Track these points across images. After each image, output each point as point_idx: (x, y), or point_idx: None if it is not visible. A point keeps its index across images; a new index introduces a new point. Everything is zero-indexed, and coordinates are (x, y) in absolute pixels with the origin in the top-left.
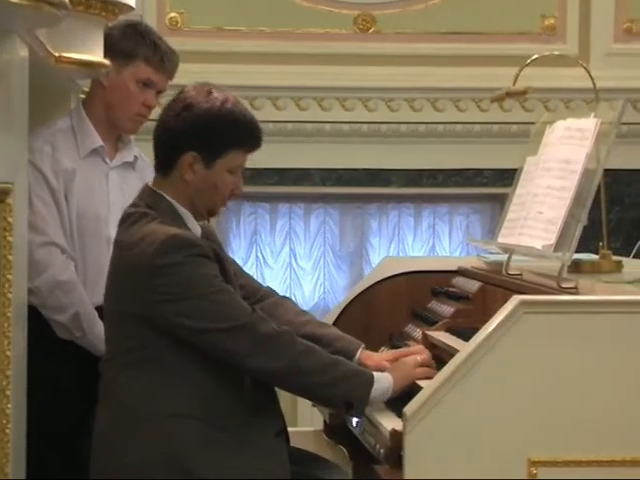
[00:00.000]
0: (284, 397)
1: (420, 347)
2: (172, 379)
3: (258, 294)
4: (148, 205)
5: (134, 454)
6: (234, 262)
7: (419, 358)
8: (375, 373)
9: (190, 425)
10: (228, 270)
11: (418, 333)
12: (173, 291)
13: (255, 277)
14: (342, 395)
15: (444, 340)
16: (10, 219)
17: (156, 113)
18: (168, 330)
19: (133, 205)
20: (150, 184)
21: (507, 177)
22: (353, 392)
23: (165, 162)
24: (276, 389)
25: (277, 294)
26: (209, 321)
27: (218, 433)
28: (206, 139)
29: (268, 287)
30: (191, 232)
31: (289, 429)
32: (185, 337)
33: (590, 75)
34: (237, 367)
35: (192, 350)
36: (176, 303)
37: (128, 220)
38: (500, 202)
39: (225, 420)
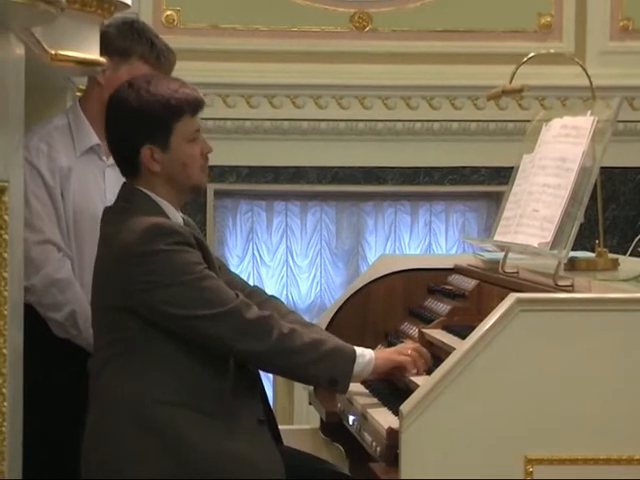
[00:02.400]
0: (281, 396)
1: (414, 344)
2: (156, 367)
3: (244, 293)
4: (126, 200)
5: (129, 445)
6: (219, 259)
7: (409, 350)
8: (357, 348)
9: (176, 411)
10: (211, 258)
11: (414, 331)
12: (156, 279)
13: (251, 275)
14: (326, 372)
15: (440, 338)
16: (6, 217)
17: None
18: (152, 319)
19: (113, 203)
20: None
21: (503, 175)
22: (337, 368)
23: (128, 166)
24: (260, 380)
25: (265, 293)
26: (194, 308)
27: (205, 418)
28: (148, 127)
29: (256, 286)
30: (172, 221)
31: (286, 427)
32: (170, 325)
33: (586, 73)
34: (224, 352)
35: (176, 338)
36: (160, 291)
37: (107, 216)
38: (496, 200)
39: (210, 405)
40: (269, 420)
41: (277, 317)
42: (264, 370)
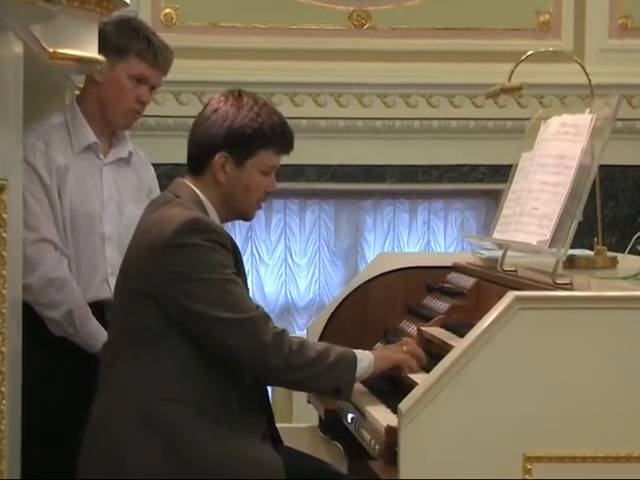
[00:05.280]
0: (280, 394)
1: (409, 340)
2: (167, 364)
3: None
4: (174, 194)
5: (132, 438)
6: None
7: (405, 347)
8: (357, 352)
9: (180, 410)
10: (241, 266)
11: (413, 329)
12: (182, 270)
13: (250, 273)
14: (331, 383)
15: (439, 336)
16: (5, 215)
17: (150, 109)
18: (171, 311)
19: (160, 194)
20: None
21: (502, 173)
22: (340, 378)
23: (197, 163)
24: (267, 398)
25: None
26: (213, 308)
27: (208, 421)
28: (235, 140)
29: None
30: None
31: (284, 425)
32: (187, 322)
33: (585, 71)
34: (231, 359)
35: (191, 337)
36: (183, 283)
37: (153, 205)
38: (495, 198)
39: (215, 411)
40: (270, 425)
41: (288, 333)
42: (269, 384)
